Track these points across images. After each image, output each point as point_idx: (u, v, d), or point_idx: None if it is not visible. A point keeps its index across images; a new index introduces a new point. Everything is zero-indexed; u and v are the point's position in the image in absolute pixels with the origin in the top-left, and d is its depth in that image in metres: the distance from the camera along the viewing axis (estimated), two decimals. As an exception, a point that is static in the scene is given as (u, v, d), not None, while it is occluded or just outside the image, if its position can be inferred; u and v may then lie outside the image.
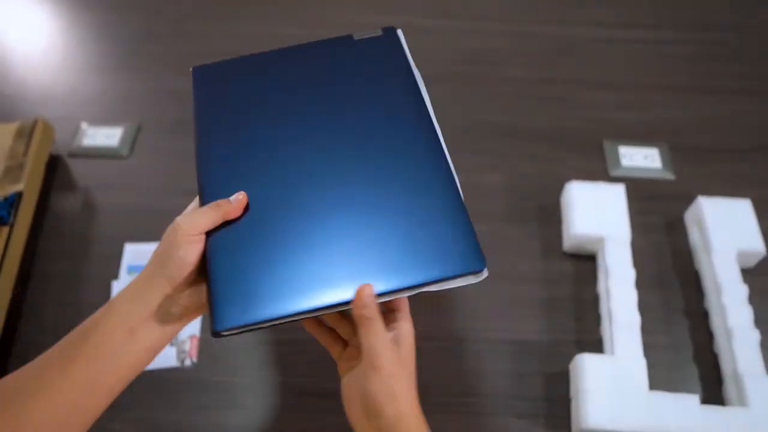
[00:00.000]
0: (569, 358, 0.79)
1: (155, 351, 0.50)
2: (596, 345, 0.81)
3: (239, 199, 0.53)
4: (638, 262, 0.85)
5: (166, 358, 0.81)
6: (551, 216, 0.93)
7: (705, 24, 1.16)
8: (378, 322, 0.49)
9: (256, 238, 0.52)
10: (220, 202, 0.53)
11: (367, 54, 0.63)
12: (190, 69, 0.66)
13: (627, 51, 1.13)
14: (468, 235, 0.53)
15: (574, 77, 1.09)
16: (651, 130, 1.02)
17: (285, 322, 0.50)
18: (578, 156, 0.99)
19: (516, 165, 0.97)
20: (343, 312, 0.55)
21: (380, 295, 0.50)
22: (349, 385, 0.52)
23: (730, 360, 0.77)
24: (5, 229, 0.86)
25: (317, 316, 0.55)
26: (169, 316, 0.50)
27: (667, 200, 0.94)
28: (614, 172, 0.97)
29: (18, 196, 0.89)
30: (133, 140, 1.02)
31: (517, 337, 0.83)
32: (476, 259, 0.52)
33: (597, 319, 0.83)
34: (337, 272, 0.50)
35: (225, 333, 0.49)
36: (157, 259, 0.51)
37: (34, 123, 0.96)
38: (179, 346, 0.82)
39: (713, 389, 0.78)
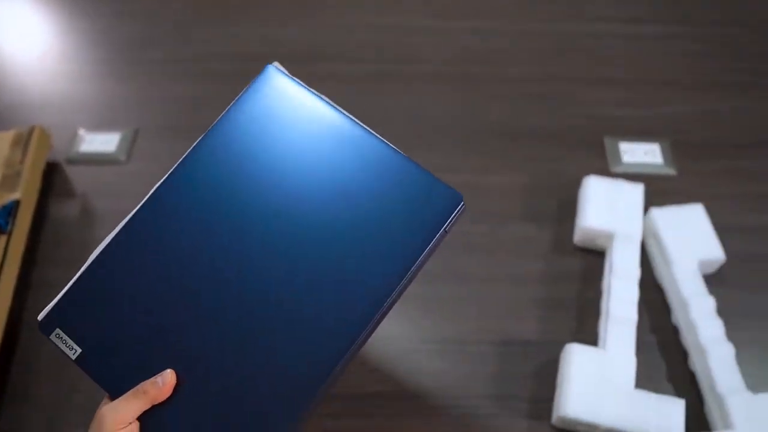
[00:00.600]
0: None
1: None
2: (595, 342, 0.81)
3: (167, 381, 0.49)
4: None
5: None
6: (554, 214, 0.92)
7: (706, 19, 1.15)
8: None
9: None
10: (146, 387, 0.49)
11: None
12: (272, 64, 0.60)
13: (628, 47, 1.12)
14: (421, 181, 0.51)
15: (575, 74, 1.09)
16: (653, 126, 1.01)
17: None
18: (579, 153, 0.98)
19: (517, 164, 0.97)
20: None
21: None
22: None
23: (708, 378, 0.75)
24: (3, 238, 0.85)
25: None
26: None
27: (668, 195, 0.93)
28: (615, 169, 0.96)
29: (16, 204, 0.88)
30: (130, 146, 1.02)
31: (520, 337, 0.82)
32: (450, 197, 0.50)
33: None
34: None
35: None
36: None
37: (31, 130, 0.96)
38: None
39: (695, 408, 0.75)
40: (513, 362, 0.80)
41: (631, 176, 0.95)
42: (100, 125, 1.05)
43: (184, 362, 0.49)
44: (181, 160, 0.56)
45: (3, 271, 0.83)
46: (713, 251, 0.83)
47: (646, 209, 0.90)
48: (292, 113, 0.56)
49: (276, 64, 0.58)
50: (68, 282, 0.56)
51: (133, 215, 0.56)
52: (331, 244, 0.50)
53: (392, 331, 0.59)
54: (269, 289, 0.49)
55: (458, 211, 0.49)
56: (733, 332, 0.81)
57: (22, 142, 0.95)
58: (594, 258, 0.87)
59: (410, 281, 0.49)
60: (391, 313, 0.50)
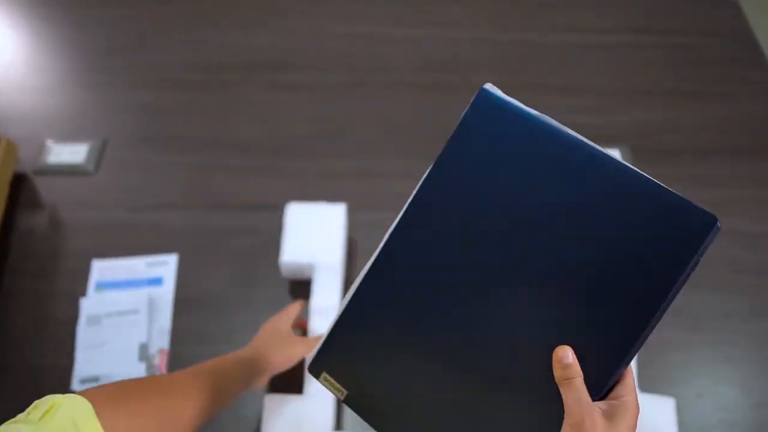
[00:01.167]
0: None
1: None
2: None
3: None
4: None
5: (135, 374, 0.81)
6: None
7: (668, 28, 1.19)
8: (580, 381, 0.44)
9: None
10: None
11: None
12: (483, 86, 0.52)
13: (589, 55, 1.15)
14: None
15: (539, 82, 1.11)
16: (614, 133, 1.04)
17: None
18: (542, 160, 1.01)
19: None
20: None
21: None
22: None
23: None
24: (-31, 250, 0.85)
25: None
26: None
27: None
28: (578, 175, 0.98)
29: (-19, 216, 0.88)
30: (98, 156, 1.02)
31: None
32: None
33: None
34: None
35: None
36: (280, 361, 0.71)
37: (-3, 142, 0.96)
38: (149, 360, 0.82)
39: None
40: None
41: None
42: (67, 136, 1.04)
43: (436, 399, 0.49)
44: (417, 190, 0.52)
45: (-31, 283, 0.83)
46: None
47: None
48: (522, 140, 0.50)
49: (489, 85, 0.52)
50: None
51: (378, 256, 0.51)
52: (583, 284, 0.46)
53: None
54: (528, 333, 0.47)
55: (712, 235, 0.44)
56: (690, 333, 0.84)
57: (-11, 153, 0.95)
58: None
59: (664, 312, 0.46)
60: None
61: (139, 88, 1.11)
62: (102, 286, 0.89)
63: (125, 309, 0.86)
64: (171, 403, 0.54)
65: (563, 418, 0.44)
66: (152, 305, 0.86)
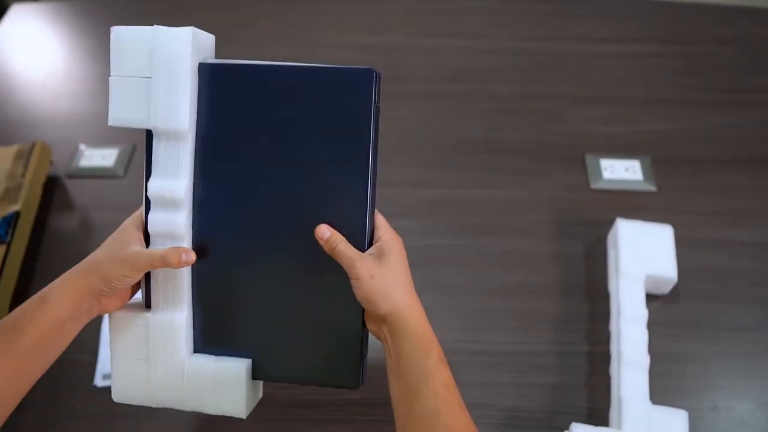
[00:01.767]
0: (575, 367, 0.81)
1: (73, 337, 0.56)
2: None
3: (189, 259, 0.56)
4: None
5: None
6: (534, 228, 0.94)
7: (688, 37, 1.18)
8: (343, 244, 0.56)
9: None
10: (168, 255, 0.55)
11: (339, 91, 0.58)
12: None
13: (610, 65, 1.15)
14: None
15: (558, 92, 1.11)
16: (634, 143, 1.04)
17: None
18: (560, 170, 1.01)
19: (498, 180, 0.99)
20: None
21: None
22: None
23: (617, 383, 0.76)
24: (3, 248, 0.89)
25: None
26: (92, 312, 0.57)
27: (647, 212, 0.95)
28: (595, 185, 0.98)
29: (16, 216, 0.92)
30: (128, 160, 1.06)
31: (497, 348, 0.84)
32: None
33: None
34: None
35: None
36: (96, 268, 0.56)
37: (33, 145, 1.00)
38: None
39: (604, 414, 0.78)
40: (489, 372, 0.82)
41: (611, 192, 0.97)
42: (99, 141, 1.09)
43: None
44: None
45: (1, 281, 0.87)
46: (666, 269, 0.84)
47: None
48: (236, 81, 0.59)
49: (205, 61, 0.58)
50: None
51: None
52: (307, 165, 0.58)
53: (373, 340, 0.62)
54: (294, 221, 0.58)
55: (377, 82, 0.58)
56: (707, 345, 0.83)
57: (24, 156, 0.99)
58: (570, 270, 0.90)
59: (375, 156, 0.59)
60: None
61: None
62: None
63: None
64: None
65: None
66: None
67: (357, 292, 0.55)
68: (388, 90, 1.13)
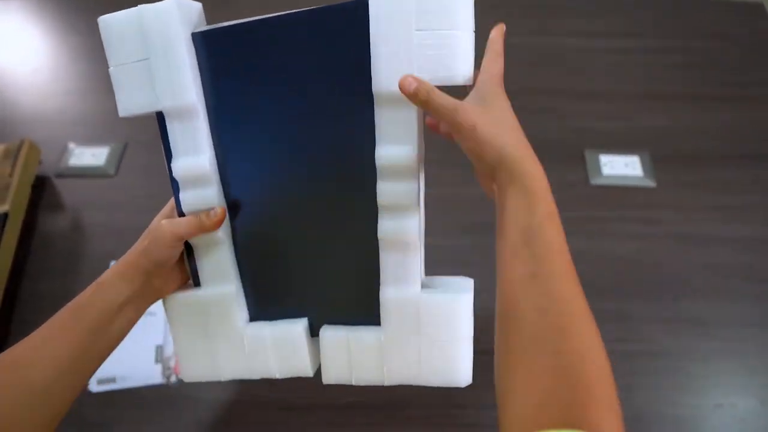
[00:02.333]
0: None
1: (134, 323, 0.58)
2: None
3: (218, 213, 0.56)
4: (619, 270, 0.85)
5: (151, 375, 0.82)
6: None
7: (686, 32, 1.17)
8: (434, 94, 0.49)
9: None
10: (201, 215, 0.57)
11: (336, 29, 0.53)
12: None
13: (609, 60, 1.14)
14: None
15: (557, 87, 1.10)
16: (633, 139, 1.03)
17: None
18: (560, 166, 1.00)
19: (498, 176, 0.98)
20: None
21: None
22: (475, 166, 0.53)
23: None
24: (-8, 250, 0.87)
25: None
26: (148, 295, 0.58)
27: (647, 207, 0.95)
28: (595, 181, 0.97)
29: (4, 217, 0.90)
30: (119, 159, 1.03)
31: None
32: None
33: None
34: None
35: None
36: (142, 251, 0.56)
37: (21, 144, 0.98)
38: (164, 363, 0.83)
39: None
40: (490, 372, 0.81)
41: (611, 188, 0.96)
42: (89, 139, 1.06)
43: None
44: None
45: (-9, 283, 0.85)
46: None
47: (623, 220, 0.92)
48: (241, 41, 0.56)
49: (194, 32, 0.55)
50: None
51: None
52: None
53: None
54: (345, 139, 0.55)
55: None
56: (710, 342, 0.82)
57: (12, 155, 0.97)
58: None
59: None
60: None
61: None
62: None
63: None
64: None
65: None
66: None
67: (461, 144, 0.50)
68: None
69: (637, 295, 0.86)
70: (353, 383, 0.58)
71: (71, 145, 1.05)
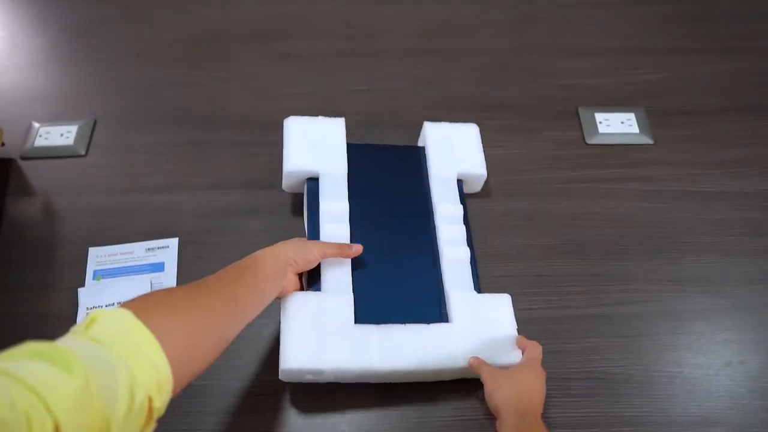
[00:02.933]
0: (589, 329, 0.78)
1: (274, 296, 0.68)
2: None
3: (359, 250, 0.76)
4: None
5: None
6: (532, 190, 0.90)
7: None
8: (483, 366, 0.70)
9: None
10: (344, 246, 0.75)
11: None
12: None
13: (599, 15, 1.10)
14: None
15: (545, 44, 1.07)
16: (627, 95, 1.00)
17: None
18: (555, 125, 0.97)
19: (491, 138, 0.94)
20: None
21: None
22: None
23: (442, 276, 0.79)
24: (-43, 242, 0.80)
25: None
26: (279, 286, 0.68)
27: (646, 165, 0.92)
28: (591, 140, 0.94)
29: (-32, 205, 0.83)
30: (89, 137, 0.97)
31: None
32: None
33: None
34: None
35: None
36: (293, 257, 0.69)
37: (-20, 126, 0.90)
38: None
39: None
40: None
41: (608, 147, 0.94)
42: (54, 117, 0.99)
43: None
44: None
45: (-40, 277, 0.79)
46: (475, 167, 0.86)
47: (622, 179, 0.90)
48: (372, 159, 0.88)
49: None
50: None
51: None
52: None
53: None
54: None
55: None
56: (716, 299, 0.81)
57: (-28, 138, 0.90)
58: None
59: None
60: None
61: (126, 64, 1.06)
62: (100, 274, 0.84)
63: (126, 298, 0.81)
64: (216, 304, 0.57)
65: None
66: (155, 292, 0.82)
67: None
68: (368, 48, 1.07)
69: (640, 255, 0.84)
70: (431, 368, 0.72)
71: (36, 124, 0.98)
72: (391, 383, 0.74)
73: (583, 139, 0.95)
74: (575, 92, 1.00)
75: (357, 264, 0.78)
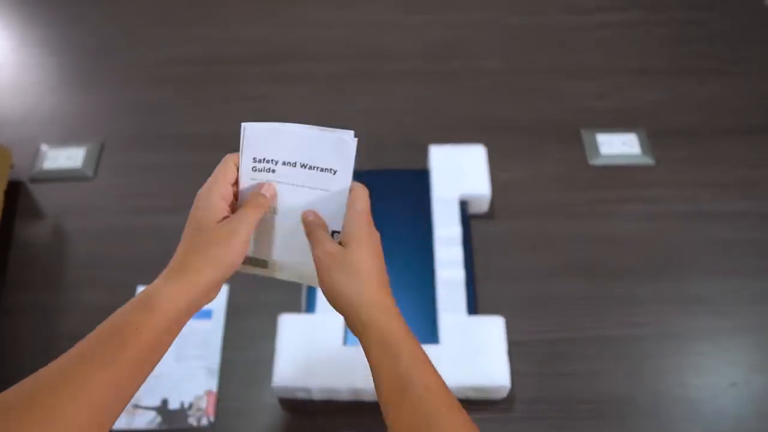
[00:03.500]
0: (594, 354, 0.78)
1: (175, 337, 0.50)
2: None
3: (271, 191, 0.55)
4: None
5: (181, 419, 0.75)
6: (535, 210, 0.91)
7: (677, 4, 1.15)
8: (317, 230, 0.53)
9: None
10: (259, 199, 0.53)
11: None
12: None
13: (599, 36, 1.11)
14: None
15: (548, 66, 1.08)
16: (628, 116, 1.01)
17: None
18: (557, 147, 0.97)
19: (495, 159, 0.94)
20: None
21: None
22: None
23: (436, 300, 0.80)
24: (-33, 265, 0.81)
25: None
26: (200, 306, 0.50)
27: (647, 186, 0.93)
28: (594, 161, 0.95)
29: (-22, 228, 0.84)
30: (97, 160, 0.98)
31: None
32: None
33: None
34: None
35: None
36: (204, 254, 0.50)
37: (-10, 149, 0.92)
38: (196, 403, 0.76)
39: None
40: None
41: (610, 168, 0.94)
42: (63, 139, 1.00)
43: None
44: None
45: (-31, 300, 0.79)
46: (479, 188, 0.87)
47: (625, 201, 0.91)
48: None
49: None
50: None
51: None
52: None
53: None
54: None
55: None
56: (720, 320, 0.81)
57: (-19, 161, 0.91)
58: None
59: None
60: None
61: (134, 86, 1.07)
62: None
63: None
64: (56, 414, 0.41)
65: None
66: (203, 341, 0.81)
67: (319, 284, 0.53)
68: (375, 69, 1.09)
69: (643, 277, 0.85)
70: None
71: (44, 147, 0.99)
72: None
73: (586, 160, 0.96)
74: (577, 114, 1.01)
75: None
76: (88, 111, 1.05)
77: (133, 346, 0.45)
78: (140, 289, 0.84)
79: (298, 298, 0.82)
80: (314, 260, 0.52)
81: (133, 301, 0.48)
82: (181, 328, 0.49)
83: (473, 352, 0.74)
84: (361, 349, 0.52)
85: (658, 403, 0.76)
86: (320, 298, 0.79)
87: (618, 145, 0.97)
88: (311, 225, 0.54)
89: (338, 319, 0.72)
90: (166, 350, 0.49)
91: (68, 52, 1.13)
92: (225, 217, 0.52)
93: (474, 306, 0.79)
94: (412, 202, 0.88)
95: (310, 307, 0.80)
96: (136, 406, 0.76)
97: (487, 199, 0.88)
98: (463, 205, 0.88)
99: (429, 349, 0.71)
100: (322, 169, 0.54)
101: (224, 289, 0.85)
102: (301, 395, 0.73)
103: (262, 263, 0.58)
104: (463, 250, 0.83)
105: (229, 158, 0.56)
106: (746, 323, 0.81)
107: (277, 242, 0.57)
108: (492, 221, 0.90)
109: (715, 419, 0.74)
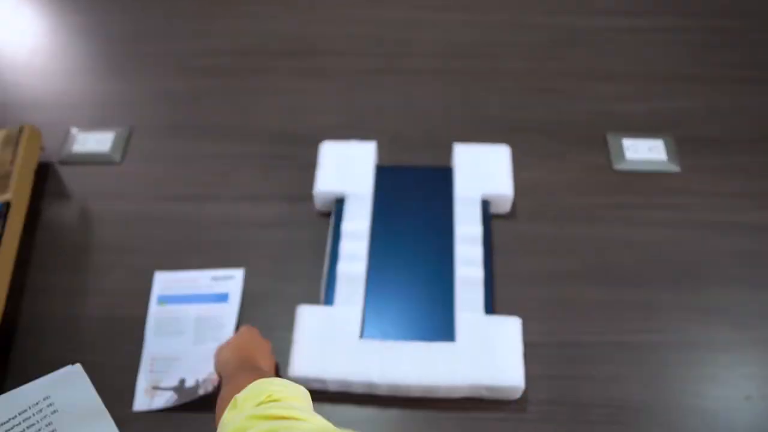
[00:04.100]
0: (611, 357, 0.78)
1: None
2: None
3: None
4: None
5: (193, 393, 0.76)
6: (554, 213, 0.91)
7: (709, 11, 1.13)
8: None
9: None
10: None
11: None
12: None
13: (629, 40, 1.10)
14: None
15: (576, 68, 1.07)
16: (656, 122, 1.00)
17: None
18: (581, 150, 0.97)
19: (519, 160, 0.94)
20: None
21: None
22: None
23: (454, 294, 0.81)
24: (-5, 241, 0.83)
25: None
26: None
27: (672, 193, 0.92)
28: (618, 165, 0.95)
29: (6, 206, 0.86)
30: (125, 145, 0.99)
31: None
32: None
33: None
34: None
35: None
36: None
37: (21, 130, 0.93)
38: (208, 378, 0.76)
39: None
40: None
41: (635, 173, 0.94)
42: (93, 124, 1.02)
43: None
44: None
45: (-4, 275, 0.81)
46: (502, 188, 0.88)
47: (649, 207, 0.90)
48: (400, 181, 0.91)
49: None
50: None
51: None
52: None
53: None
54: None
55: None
56: (739, 332, 0.80)
57: (12, 142, 0.93)
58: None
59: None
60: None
61: (166, 75, 1.09)
62: (164, 300, 0.85)
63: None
64: None
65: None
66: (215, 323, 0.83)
67: None
68: (402, 66, 1.09)
69: (663, 285, 0.84)
70: (431, 384, 0.74)
71: (74, 131, 1.01)
72: (397, 396, 0.75)
73: (611, 164, 0.95)
74: (604, 117, 1.00)
75: (372, 281, 0.81)
76: (118, 97, 1.07)
77: None
78: (158, 275, 0.86)
79: (317, 290, 0.83)
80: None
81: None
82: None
83: (489, 351, 0.74)
84: (377, 343, 0.75)
85: (671, 411, 0.75)
86: (339, 291, 0.80)
87: (644, 151, 0.96)
88: None
89: (356, 312, 0.78)
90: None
91: (101, 39, 1.15)
92: None
93: (491, 305, 0.79)
94: (434, 199, 0.88)
95: (329, 300, 0.80)
96: (156, 387, 0.77)
97: (510, 199, 0.88)
98: (485, 204, 0.87)
99: (445, 346, 0.74)
100: None
101: (240, 275, 0.86)
102: (316, 386, 0.74)
103: None
104: (483, 249, 0.83)
105: None
106: (764, 336, 0.80)
107: None
108: (513, 221, 0.90)
109: (729, 431, 0.74)
